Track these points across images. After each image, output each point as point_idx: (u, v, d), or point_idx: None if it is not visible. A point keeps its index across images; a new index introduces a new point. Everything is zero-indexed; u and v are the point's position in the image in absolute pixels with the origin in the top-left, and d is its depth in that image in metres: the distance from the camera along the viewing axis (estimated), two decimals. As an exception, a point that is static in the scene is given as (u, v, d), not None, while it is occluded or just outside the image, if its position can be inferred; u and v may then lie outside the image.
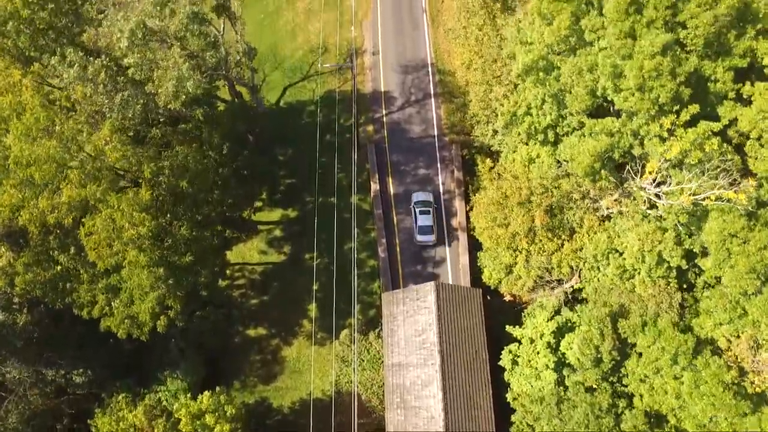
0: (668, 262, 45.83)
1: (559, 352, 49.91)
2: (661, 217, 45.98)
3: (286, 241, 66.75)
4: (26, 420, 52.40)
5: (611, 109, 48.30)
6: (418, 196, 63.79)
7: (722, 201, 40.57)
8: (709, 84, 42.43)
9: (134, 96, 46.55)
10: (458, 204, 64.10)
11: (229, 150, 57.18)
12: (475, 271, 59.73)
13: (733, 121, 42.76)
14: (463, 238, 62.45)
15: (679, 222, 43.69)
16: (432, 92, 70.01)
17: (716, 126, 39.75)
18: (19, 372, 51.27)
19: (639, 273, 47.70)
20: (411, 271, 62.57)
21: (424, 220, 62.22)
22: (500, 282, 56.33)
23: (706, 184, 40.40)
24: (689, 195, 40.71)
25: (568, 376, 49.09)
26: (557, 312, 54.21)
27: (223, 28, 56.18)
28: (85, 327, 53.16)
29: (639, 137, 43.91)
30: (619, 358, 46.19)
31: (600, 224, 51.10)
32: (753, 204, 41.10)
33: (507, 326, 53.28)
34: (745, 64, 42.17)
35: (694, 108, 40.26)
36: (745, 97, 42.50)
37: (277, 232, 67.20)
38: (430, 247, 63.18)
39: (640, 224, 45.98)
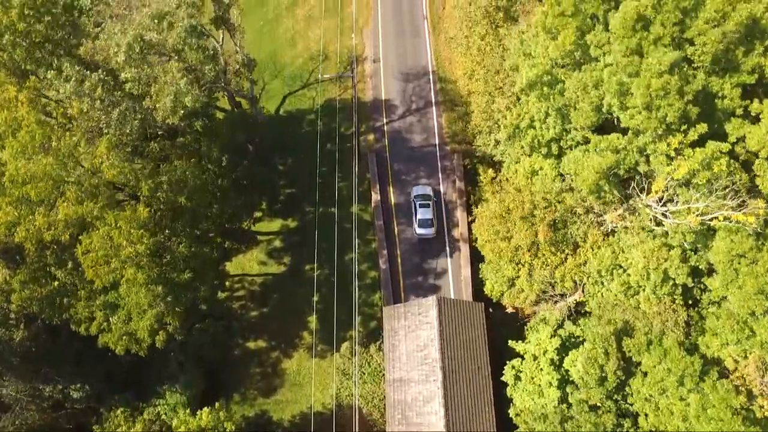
0: (674, 279, 45.19)
1: (562, 369, 49.29)
2: (666, 233, 45.32)
3: (286, 251, 66.10)
4: (24, 436, 51.99)
5: (614, 120, 47.61)
6: (417, 190, 63.77)
7: (731, 222, 39.92)
8: (716, 100, 41.72)
9: (132, 111, 45.80)
10: (460, 215, 63.41)
11: (229, 161, 56.53)
12: (477, 283, 59.08)
13: (741, 138, 42.04)
14: (465, 249, 61.77)
15: (685, 241, 43.02)
16: (433, 100, 69.28)
17: (725, 146, 39.04)
18: (16, 389, 50.65)
19: (644, 290, 47.06)
20: (412, 282, 61.92)
21: (424, 213, 62.06)
22: (502, 295, 55.76)
23: (713, 204, 39.73)
24: (696, 215, 40.03)
25: (571, 393, 48.47)
26: (560, 325, 53.68)
27: (222, 38, 55.37)
28: (83, 343, 52.54)
29: (645, 154, 43.21)
30: (623, 377, 45.56)
31: (604, 239, 50.48)
32: (761, 224, 40.42)
33: (510, 341, 52.72)
34: (753, 80, 41.46)
35: (702, 127, 39.58)
36: (753, 114, 41.77)
37: (277, 243, 66.54)
38: (431, 259, 62.48)
39: (646, 241, 45.34)
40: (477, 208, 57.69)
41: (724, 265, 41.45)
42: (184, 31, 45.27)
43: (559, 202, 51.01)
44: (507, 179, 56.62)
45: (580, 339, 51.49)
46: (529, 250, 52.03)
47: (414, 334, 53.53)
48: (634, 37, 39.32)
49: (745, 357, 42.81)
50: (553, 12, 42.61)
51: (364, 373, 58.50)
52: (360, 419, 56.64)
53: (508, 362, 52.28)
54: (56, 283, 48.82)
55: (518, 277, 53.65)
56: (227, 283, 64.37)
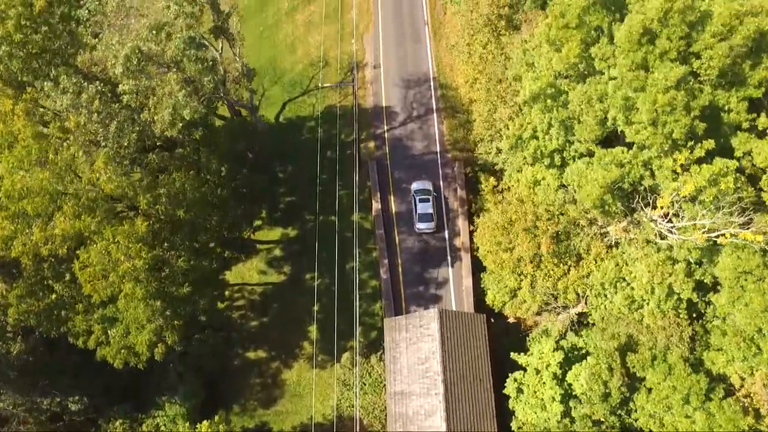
0: (678, 294, 44.65)
1: (565, 384, 48.81)
2: (671, 247, 44.76)
3: (286, 260, 65.50)
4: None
5: (617, 131, 46.98)
6: (417, 185, 63.57)
7: (737, 239, 39.34)
8: (722, 114, 41.10)
9: (129, 123, 45.17)
10: (461, 224, 62.84)
11: (228, 170, 55.89)
12: (479, 293, 58.51)
13: (748, 152, 41.40)
14: (466, 258, 61.21)
15: (690, 257, 42.46)
16: (434, 107, 68.63)
17: (733, 164, 38.42)
18: (13, 402, 50.15)
19: (648, 303, 46.52)
20: (413, 292, 61.37)
21: (424, 208, 62.03)
22: (504, 305, 55.25)
23: (720, 220, 39.14)
24: (703, 233, 39.45)
25: (574, 407, 48.02)
26: (562, 336, 53.22)
27: (222, 47, 54.67)
28: (81, 355, 52.01)
29: (650, 167, 42.60)
30: (628, 394, 45.07)
31: (607, 251, 49.92)
32: (768, 241, 39.92)
33: (512, 353, 52.31)
34: (760, 94, 40.86)
35: (710, 144, 38.96)
36: (760, 129, 41.18)
37: (277, 252, 65.94)
38: (432, 268, 61.91)
39: (650, 255, 44.79)
40: (478, 217, 57.16)
41: (731, 282, 40.92)
42: (182, 43, 44.60)
43: (561, 214, 50.47)
44: (509, 188, 56.11)
45: (583, 351, 51.08)
46: (531, 262, 51.53)
47: (415, 347, 53.01)
48: (640, 50, 38.68)
49: (752, 374, 42.31)
50: (557, 24, 41.94)
51: (365, 384, 58.05)
52: (361, 430, 56.22)
53: (510, 374, 51.88)
54: (54, 296, 48.26)
55: (520, 288, 53.15)
56: (227, 293, 63.72)
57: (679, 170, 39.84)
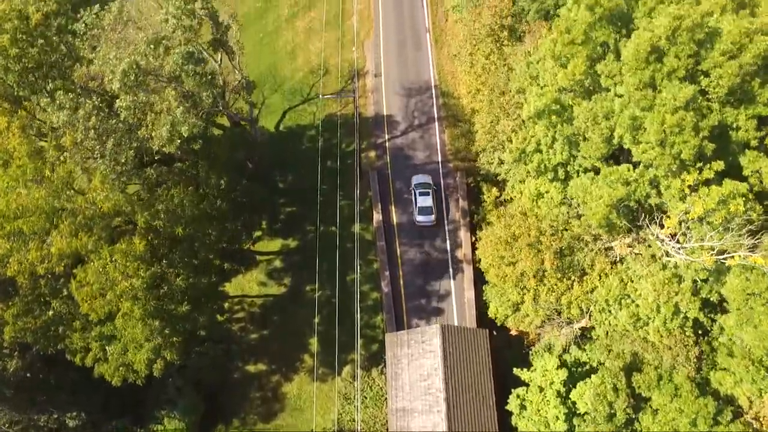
0: (684, 313, 43.94)
1: (569, 402, 48.14)
2: (677, 264, 44.04)
3: (287, 272, 64.78)
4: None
5: (622, 147, 46.20)
6: (417, 179, 63.42)
7: (746, 261, 38.62)
8: (731, 132, 40.31)
9: (127, 140, 44.37)
10: (463, 235, 62.09)
11: (227, 182, 55.13)
12: (481, 306, 57.80)
13: (756, 171, 40.63)
14: (468, 270, 60.48)
15: (698, 277, 41.76)
16: (436, 116, 67.87)
17: (743, 187, 37.65)
18: (10, 420, 49.49)
19: (653, 321, 45.81)
20: (415, 305, 60.65)
21: (424, 201, 62.00)
22: (507, 318, 54.57)
23: (729, 242, 38.42)
24: (711, 254, 38.73)
25: (578, 425, 47.38)
26: (565, 350, 52.58)
27: (221, 59, 53.84)
28: (79, 372, 51.29)
29: (656, 185, 41.86)
30: (633, 415, 44.40)
31: (612, 267, 49.23)
32: (777, 262, 39.14)
33: (515, 369, 51.55)
34: (769, 112, 40.09)
35: (719, 165, 38.18)
36: (768, 147, 40.49)
37: (277, 263, 65.22)
38: (434, 281, 61.15)
39: (656, 273, 44.05)
40: (481, 229, 56.44)
41: (739, 303, 40.21)
42: (180, 58, 43.78)
43: (565, 230, 49.76)
44: (511, 199, 55.40)
45: (587, 367, 50.43)
46: (534, 276, 50.85)
47: (417, 363, 52.37)
48: (648, 69, 37.87)
49: (760, 396, 41.66)
50: (563, 40, 41.11)
51: (366, 398, 57.47)
52: (362, 444, 55.72)
53: (513, 390, 51.19)
54: (51, 312, 47.60)
55: (523, 302, 52.49)
56: (226, 305, 63.05)
57: (687, 191, 39.08)
